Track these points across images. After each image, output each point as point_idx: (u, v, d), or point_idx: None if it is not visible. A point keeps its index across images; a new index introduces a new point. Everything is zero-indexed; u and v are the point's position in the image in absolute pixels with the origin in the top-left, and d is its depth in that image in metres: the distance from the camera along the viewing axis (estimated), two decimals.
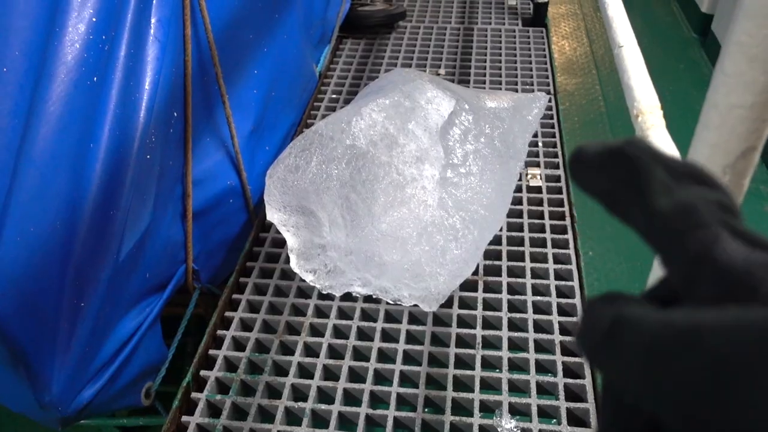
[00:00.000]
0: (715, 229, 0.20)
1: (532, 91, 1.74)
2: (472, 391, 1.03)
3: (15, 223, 0.79)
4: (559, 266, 1.22)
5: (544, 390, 1.04)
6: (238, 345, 1.14)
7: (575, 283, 1.18)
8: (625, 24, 0.86)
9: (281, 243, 1.27)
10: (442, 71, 1.85)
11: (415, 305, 1.10)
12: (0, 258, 0.77)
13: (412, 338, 1.13)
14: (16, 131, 0.79)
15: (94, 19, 0.89)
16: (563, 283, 1.19)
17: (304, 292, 1.20)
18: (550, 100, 1.67)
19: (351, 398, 1.05)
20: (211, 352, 1.11)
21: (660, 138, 0.65)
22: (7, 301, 0.79)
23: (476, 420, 0.99)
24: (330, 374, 1.08)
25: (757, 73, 0.42)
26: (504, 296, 1.17)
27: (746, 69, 0.43)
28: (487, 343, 1.11)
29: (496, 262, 1.23)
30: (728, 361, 0.16)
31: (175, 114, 1.09)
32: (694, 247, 0.20)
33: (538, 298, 1.17)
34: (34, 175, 0.81)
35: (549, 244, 1.28)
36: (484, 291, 1.19)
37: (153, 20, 1.01)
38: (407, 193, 1.05)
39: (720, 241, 0.20)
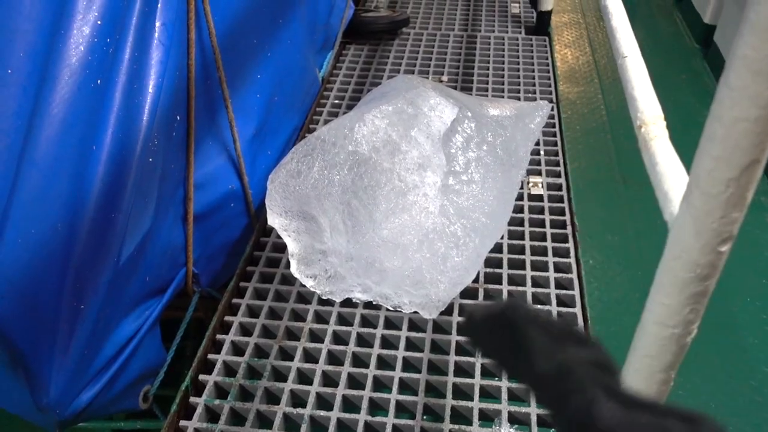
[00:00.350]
0: (590, 392, 0.22)
1: (535, 99, 1.75)
2: (472, 399, 1.03)
3: (16, 225, 0.79)
4: (560, 275, 1.22)
5: None
6: (238, 350, 1.13)
7: (576, 292, 1.18)
8: (629, 34, 0.86)
9: (282, 248, 1.27)
10: (445, 78, 1.86)
11: (416, 312, 1.10)
12: (0, 260, 0.77)
13: (411, 345, 1.12)
14: (19, 133, 0.79)
15: (99, 23, 0.89)
16: (564, 291, 1.19)
17: (304, 297, 1.20)
18: (552, 109, 1.67)
19: (350, 405, 1.04)
20: (210, 356, 1.11)
21: (663, 149, 0.65)
22: (7, 303, 0.79)
23: (475, 428, 0.99)
24: (329, 380, 1.08)
25: (761, 87, 0.42)
26: None
27: (751, 82, 0.43)
28: None
29: (497, 270, 1.23)
30: None
31: (178, 117, 1.09)
32: (574, 412, 0.22)
33: (539, 306, 1.17)
34: (37, 177, 0.81)
35: (550, 252, 1.27)
36: (485, 299, 1.18)
37: (158, 24, 1.01)
38: (409, 199, 1.05)
39: (596, 404, 0.22)
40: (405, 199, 1.05)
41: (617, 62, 0.83)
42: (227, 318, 1.17)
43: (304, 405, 1.02)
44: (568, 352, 0.23)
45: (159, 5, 1.01)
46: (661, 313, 0.57)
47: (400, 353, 1.10)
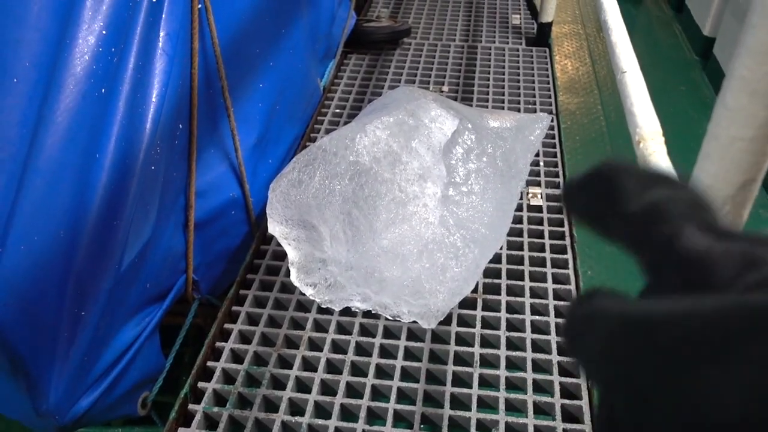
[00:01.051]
0: (677, 222, 0.21)
1: (535, 110, 1.76)
2: (470, 409, 1.03)
3: (19, 232, 0.79)
4: (558, 286, 1.23)
5: (541, 410, 1.04)
6: (237, 357, 1.14)
7: None
8: (629, 50, 0.87)
9: (282, 256, 1.28)
10: (445, 88, 1.87)
11: (414, 322, 1.10)
12: (3, 267, 0.78)
13: (410, 355, 1.13)
14: (24, 141, 0.80)
15: (104, 32, 0.90)
16: (562, 303, 1.20)
17: (304, 305, 1.21)
18: (552, 120, 1.68)
19: (348, 414, 1.05)
20: (210, 363, 1.11)
21: (661, 164, 0.65)
22: (9, 310, 0.80)
23: None
24: (328, 389, 1.08)
25: (757, 108, 0.43)
26: (503, 315, 1.18)
27: (747, 103, 0.43)
28: (485, 362, 1.12)
29: (496, 281, 1.24)
30: (672, 352, 0.16)
31: (181, 126, 1.10)
32: (658, 241, 0.21)
33: (537, 317, 1.17)
34: (40, 184, 0.82)
35: (548, 263, 1.28)
36: (484, 309, 1.19)
37: (162, 34, 1.02)
38: (409, 210, 1.06)
39: (682, 234, 0.20)
40: (405, 210, 1.05)
41: (617, 77, 0.84)
42: (227, 325, 1.18)
43: (302, 413, 1.03)
44: (659, 192, 0.22)
45: (163, 15, 1.02)
46: None
47: (399, 362, 1.10)
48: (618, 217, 0.23)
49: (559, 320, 1.16)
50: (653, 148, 0.68)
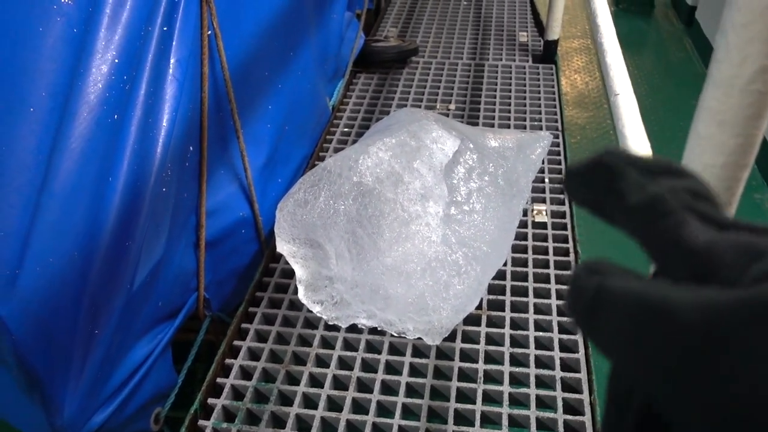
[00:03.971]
0: (680, 214, 0.21)
1: (541, 127, 1.78)
2: (473, 425, 1.05)
3: (35, 254, 0.83)
4: (562, 302, 1.24)
5: (544, 426, 1.05)
6: (246, 374, 1.16)
7: None
8: (623, 72, 0.90)
9: (290, 273, 1.31)
10: (452, 106, 1.89)
11: (419, 338, 1.12)
12: (20, 288, 0.81)
13: (415, 371, 1.15)
14: (40, 167, 0.83)
15: (116, 61, 0.94)
16: (566, 319, 1.21)
17: (311, 322, 1.23)
18: (556, 137, 1.70)
19: (354, 430, 1.06)
20: (219, 380, 1.14)
21: None
22: (25, 328, 0.83)
23: None
24: (334, 405, 1.10)
25: (726, 136, 0.45)
26: (507, 331, 1.19)
27: (716, 132, 0.46)
28: (489, 378, 1.13)
29: (500, 297, 1.26)
30: (703, 340, 0.17)
31: (191, 148, 1.13)
32: (663, 234, 0.21)
33: (541, 333, 1.19)
34: (55, 208, 0.86)
35: (552, 279, 1.30)
36: (487, 325, 1.21)
37: (172, 60, 1.06)
38: (412, 229, 1.08)
39: (685, 226, 0.21)
40: (408, 229, 1.08)
41: (610, 99, 0.86)
42: (236, 342, 1.21)
43: (309, 429, 1.05)
44: (661, 182, 0.22)
45: (174, 43, 1.06)
46: None
47: (404, 379, 1.12)
48: (621, 208, 0.23)
49: (563, 336, 1.18)
50: None
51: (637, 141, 0.74)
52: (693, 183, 0.23)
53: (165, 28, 1.04)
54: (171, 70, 1.06)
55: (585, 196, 0.25)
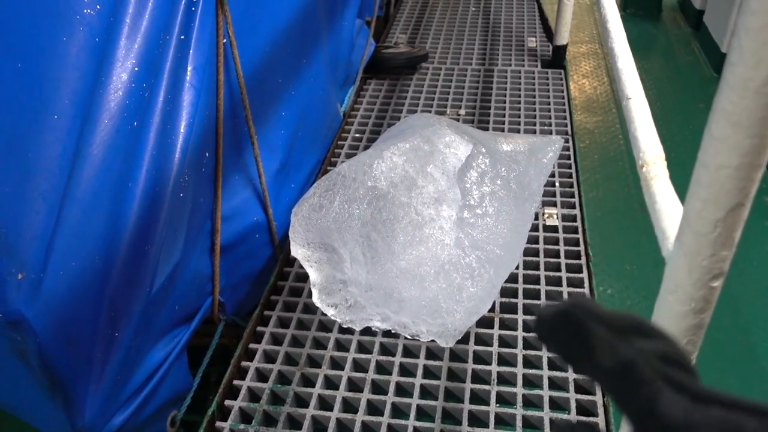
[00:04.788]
0: (656, 385, 0.22)
1: (551, 131, 1.79)
2: (487, 426, 1.06)
3: (58, 258, 0.85)
4: None
5: (557, 427, 1.06)
6: (262, 376, 1.18)
7: None
8: (634, 76, 0.91)
9: (304, 277, 1.32)
10: (462, 111, 1.91)
11: (433, 341, 1.13)
12: (44, 291, 0.83)
13: (429, 373, 1.16)
14: (63, 173, 0.85)
15: (136, 69, 0.96)
16: None
17: (326, 325, 1.24)
18: (567, 141, 1.71)
19: (369, 431, 1.08)
20: (236, 382, 1.16)
21: (662, 188, 0.69)
22: (49, 331, 0.85)
23: None
24: (349, 407, 1.11)
25: (740, 137, 0.46)
26: (519, 333, 1.20)
27: (731, 133, 0.47)
28: (503, 380, 1.14)
29: (513, 300, 1.26)
30: None
31: (207, 154, 1.15)
32: (638, 406, 0.22)
33: None
34: (77, 213, 0.87)
35: (564, 282, 1.30)
36: (500, 328, 1.22)
37: (189, 68, 1.08)
38: (425, 232, 1.09)
39: (660, 397, 0.21)
40: (422, 232, 1.09)
41: (622, 103, 0.87)
42: (252, 345, 1.22)
43: (325, 431, 1.06)
44: (632, 346, 0.22)
45: (191, 51, 1.08)
46: None
47: (418, 381, 1.13)
48: (593, 368, 0.24)
49: None
50: (655, 172, 0.72)
51: (649, 144, 0.76)
52: (664, 345, 0.23)
53: (182, 37, 1.06)
54: (188, 78, 1.08)
55: (556, 345, 0.26)
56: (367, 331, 1.19)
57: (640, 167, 0.74)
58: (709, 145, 0.49)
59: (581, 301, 0.25)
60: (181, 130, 1.06)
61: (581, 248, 1.38)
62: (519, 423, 1.05)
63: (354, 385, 1.15)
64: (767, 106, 0.44)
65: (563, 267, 1.34)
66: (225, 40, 1.15)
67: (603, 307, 0.25)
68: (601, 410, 1.07)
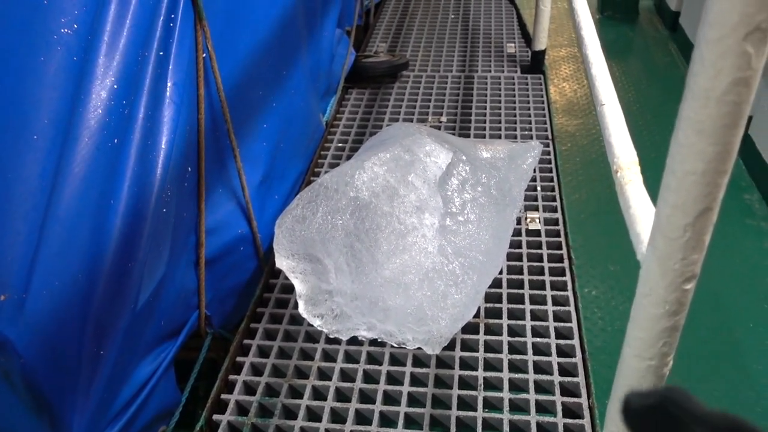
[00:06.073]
0: None
1: (531, 136, 1.81)
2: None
3: (41, 277, 0.85)
4: (558, 308, 1.27)
5: (544, 430, 1.07)
6: (249, 389, 1.18)
7: (573, 324, 1.22)
8: (608, 83, 0.92)
9: (290, 289, 1.32)
10: (443, 118, 1.92)
11: (419, 348, 1.14)
12: (28, 311, 0.83)
13: (416, 381, 1.17)
14: (44, 192, 0.85)
15: (115, 86, 0.96)
16: (562, 324, 1.23)
17: (312, 336, 1.25)
18: (547, 146, 1.73)
19: None
20: (224, 396, 1.16)
21: (636, 193, 0.70)
22: (34, 351, 0.85)
23: None
24: (337, 417, 1.12)
25: (704, 145, 0.48)
26: (504, 338, 1.21)
27: (696, 141, 0.48)
28: (489, 385, 1.15)
29: (497, 305, 1.28)
30: None
31: (189, 169, 1.15)
32: None
33: (538, 339, 1.21)
34: (60, 232, 0.87)
35: (548, 286, 1.32)
36: (486, 333, 1.23)
37: (169, 84, 1.08)
38: (408, 241, 1.10)
39: None
40: (405, 241, 1.10)
41: (596, 108, 0.89)
42: (239, 359, 1.22)
43: None
44: None
45: (170, 67, 1.08)
46: (638, 346, 0.62)
47: (405, 388, 1.14)
48: None
49: (560, 341, 1.20)
50: (629, 177, 0.73)
51: (623, 150, 0.77)
52: None
53: (161, 53, 1.06)
54: (168, 93, 1.08)
55: None
56: (354, 340, 1.20)
57: (615, 172, 0.75)
58: (676, 152, 0.50)
59: (678, 397, 0.24)
60: (162, 146, 1.06)
61: (564, 251, 1.40)
62: (506, 428, 1.06)
63: (342, 395, 1.15)
64: (729, 114, 0.46)
65: (546, 271, 1.36)
66: (204, 55, 1.16)
67: (699, 402, 0.24)
68: (586, 412, 1.08)
